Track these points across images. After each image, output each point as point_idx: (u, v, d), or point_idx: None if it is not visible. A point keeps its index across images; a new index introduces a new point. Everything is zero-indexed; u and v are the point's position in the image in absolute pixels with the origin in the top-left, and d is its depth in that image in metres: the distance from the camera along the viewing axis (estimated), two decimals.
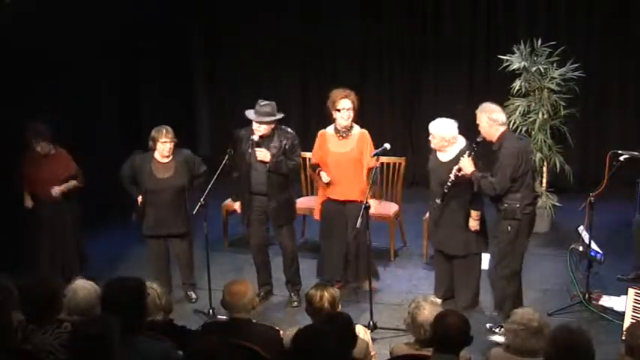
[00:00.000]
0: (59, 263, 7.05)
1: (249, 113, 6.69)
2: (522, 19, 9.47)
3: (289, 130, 6.80)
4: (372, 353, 4.79)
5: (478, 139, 6.18)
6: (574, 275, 6.91)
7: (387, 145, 6.63)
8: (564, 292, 6.92)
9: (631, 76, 9.41)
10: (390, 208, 7.88)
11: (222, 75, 10.84)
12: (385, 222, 7.80)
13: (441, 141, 6.38)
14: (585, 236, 6.80)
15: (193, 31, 10.78)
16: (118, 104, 9.49)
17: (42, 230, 7.03)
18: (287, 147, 6.69)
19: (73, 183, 7.06)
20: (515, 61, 8.17)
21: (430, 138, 6.45)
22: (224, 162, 6.72)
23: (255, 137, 6.66)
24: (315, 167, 7.00)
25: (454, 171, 6.20)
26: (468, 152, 6.18)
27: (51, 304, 4.37)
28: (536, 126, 8.23)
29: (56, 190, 6.92)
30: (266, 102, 6.66)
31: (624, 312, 5.97)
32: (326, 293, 4.75)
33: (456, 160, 6.26)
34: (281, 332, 4.73)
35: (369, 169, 6.72)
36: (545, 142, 8.24)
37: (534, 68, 8.08)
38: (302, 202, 7.90)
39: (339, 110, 6.75)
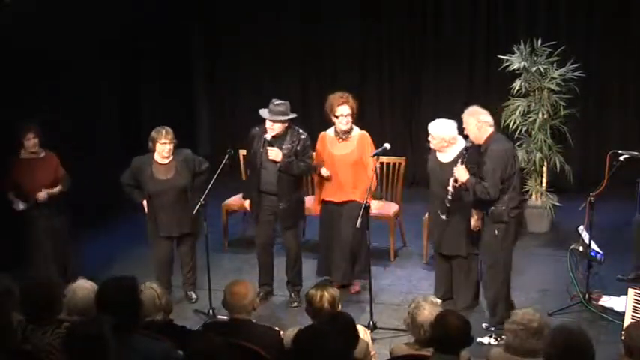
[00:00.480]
0: (53, 266, 7.00)
1: (263, 112, 6.66)
2: (522, 19, 9.47)
3: (301, 131, 6.78)
4: (372, 353, 4.79)
5: (467, 145, 6.16)
6: (574, 275, 6.91)
7: (387, 145, 6.63)
8: (564, 292, 6.92)
9: (631, 76, 9.40)
10: (390, 208, 7.88)
11: (222, 75, 10.84)
12: (385, 222, 7.80)
13: (441, 142, 6.38)
14: (585, 236, 6.80)
15: (193, 31, 10.79)
16: (118, 104, 9.49)
17: (34, 233, 6.96)
18: (298, 148, 6.67)
19: (57, 189, 6.98)
20: (515, 61, 8.17)
21: (430, 139, 6.44)
22: (224, 162, 6.73)
23: (268, 136, 6.64)
24: (315, 167, 6.99)
25: (451, 182, 6.18)
26: (460, 160, 6.15)
27: (51, 304, 4.37)
28: (536, 126, 8.23)
29: (42, 195, 6.84)
30: (280, 101, 6.63)
31: (624, 312, 5.97)
32: (326, 293, 4.75)
33: (456, 161, 6.24)
34: (281, 332, 4.73)
35: (373, 170, 6.70)
36: (545, 142, 8.24)
37: (534, 68, 8.08)
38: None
39: (337, 117, 6.76)
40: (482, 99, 8.00)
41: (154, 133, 6.74)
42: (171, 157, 6.79)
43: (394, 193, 8.06)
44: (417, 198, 8.45)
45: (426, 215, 7.07)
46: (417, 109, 10.11)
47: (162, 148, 6.70)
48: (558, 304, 6.68)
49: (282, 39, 10.35)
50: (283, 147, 6.64)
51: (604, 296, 6.76)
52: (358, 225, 6.29)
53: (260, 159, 6.71)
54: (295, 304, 6.96)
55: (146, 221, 6.93)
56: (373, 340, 5.66)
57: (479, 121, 6.02)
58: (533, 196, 8.46)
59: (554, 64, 8.19)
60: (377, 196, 6.81)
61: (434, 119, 6.51)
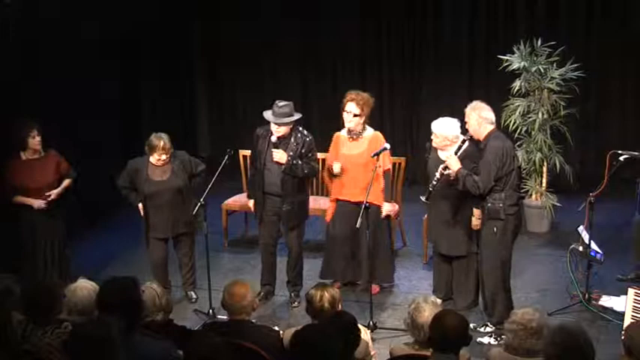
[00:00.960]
0: (51, 267, 6.98)
1: (267, 114, 6.63)
2: (522, 19, 9.47)
3: (306, 132, 6.75)
4: (372, 353, 4.79)
5: (466, 137, 6.17)
6: (574, 275, 6.91)
7: (387, 145, 6.63)
8: (564, 292, 6.92)
9: (631, 77, 9.40)
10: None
11: (222, 75, 10.84)
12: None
13: (444, 140, 6.38)
14: (585, 236, 6.81)
15: (193, 31, 10.79)
16: (118, 104, 9.48)
17: (35, 235, 6.93)
18: (303, 150, 6.65)
19: (66, 183, 6.98)
20: (515, 61, 8.16)
21: (432, 137, 6.44)
22: (224, 162, 6.72)
23: (274, 138, 6.62)
24: (318, 169, 6.96)
25: (440, 169, 6.19)
26: (455, 150, 6.17)
27: (51, 304, 4.38)
28: (536, 126, 8.23)
29: (47, 200, 6.83)
30: (284, 102, 6.60)
31: (624, 312, 5.96)
32: (326, 293, 4.75)
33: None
34: (281, 333, 4.73)
35: (384, 172, 6.68)
36: (545, 142, 8.24)
37: (534, 68, 8.08)
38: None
39: (345, 112, 6.74)
40: (483, 99, 7.95)
41: (151, 141, 6.68)
42: (167, 160, 6.77)
43: (394, 193, 8.04)
44: (417, 198, 8.40)
45: (426, 215, 7.05)
46: (417, 109, 10.11)
47: (159, 158, 6.69)
48: (558, 304, 6.69)
49: (282, 38, 10.35)
50: (288, 149, 6.63)
51: (604, 296, 6.76)
52: (358, 225, 6.29)
53: (264, 160, 6.71)
54: (295, 304, 6.96)
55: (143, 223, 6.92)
56: (373, 340, 5.67)
57: (480, 117, 6.03)
58: (533, 196, 8.46)
59: (554, 64, 8.18)
60: (387, 199, 6.77)
61: (434, 119, 6.51)
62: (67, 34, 8.08)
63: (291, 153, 6.61)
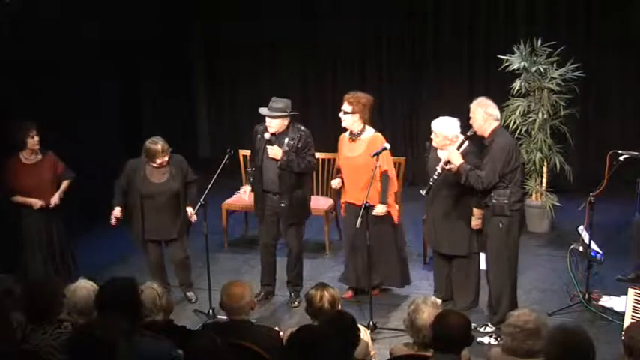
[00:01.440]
0: (50, 269, 6.97)
1: (263, 110, 6.65)
2: (522, 19, 9.47)
3: (302, 128, 6.74)
4: (372, 353, 4.79)
5: (469, 133, 6.17)
6: (574, 275, 6.91)
7: (387, 145, 6.62)
8: (564, 292, 6.93)
9: (631, 76, 9.40)
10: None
11: (222, 75, 10.84)
12: None
13: (443, 139, 6.38)
14: (585, 236, 6.81)
15: (193, 31, 10.79)
16: (118, 104, 9.48)
17: (34, 235, 6.93)
18: (299, 145, 6.63)
19: (64, 186, 6.99)
20: (515, 61, 8.16)
21: (432, 136, 6.44)
22: (224, 162, 6.72)
23: (267, 135, 6.63)
24: (339, 171, 6.92)
25: (441, 164, 6.19)
26: (457, 145, 6.17)
27: (51, 304, 4.37)
28: (536, 126, 8.23)
29: (55, 201, 6.86)
30: (280, 99, 6.63)
31: (624, 312, 5.96)
32: (326, 293, 4.74)
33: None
34: (281, 333, 4.73)
35: (382, 173, 6.63)
36: (545, 142, 8.24)
37: (534, 68, 8.07)
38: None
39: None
40: None
41: (149, 149, 6.66)
42: (166, 163, 6.76)
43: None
44: (417, 198, 8.40)
45: (425, 216, 7.05)
46: (416, 109, 10.11)
47: (161, 161, 6.68)
48: (558, 304, 6.69)
49: (282, 38, 10.35)
50: (284, 144, 6.62)
51: (604, 296, 6.76)
52: (358, 225, 6.28)
53: (261, 157, 6.71)
54: (295, 304, 6.95)
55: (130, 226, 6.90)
56: (373, 340, 5.66)
57: (486, 113, 6.04)
58: (533, 196, 8.46)
59: (554, 64, 8.18)
60: (382, 200, 6.72)
61: (434, 119, 6.50)
62: (67, 34, 8.08)
63: (286, 148, 6.60)
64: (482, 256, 6.59)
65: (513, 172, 6.01)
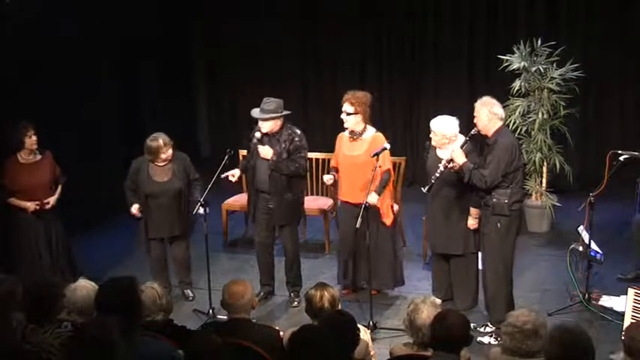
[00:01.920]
0: (50, 270, 6.95)
1: (254, 111, 6.65)
2: (522, 19, 9.48)
3: (296, 129, 6.73)
4: (372, 353, 4.79)
5: (473, 132, 6.17)
6: (574, 275, 6.91)
7: (387, 145, 6.62)
8: (564, 292, 6.92)
9: (631, 76, 9.41)
10: None
11: (222, 75, 10.85)
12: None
13: (442, 138, 6.37)
14: (585, 236, 6.80)
15: (193, 31, 10.79)
16: (118, 104, 9.49)
17: (31, 236, 6.91)
18: (291, 147, 6.63)
19: (59, 190, 6.97)
20: (515, 61, 8.17)
21: (431, 135, 6.44)
22: (224, 162, 6.71)
23: (258, 134, 6.63)
24: (335, 170, 6.90)
25: (444, 162, 6.18)
26: (461, 144, 6.17)
27: (51, 303, 4.37)
28: (536, 126, 8.23)
29: (51, 203, 6.85)
30: (272, 99, 6.61)
31: (624, 312, 5.96)
32: (326, 293, 4.74)
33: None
34: (281, 333, 4.73)
35: (383, 172, 6.62)
36: (545, 142, 8.25)
37: (534, 68, 8.08)
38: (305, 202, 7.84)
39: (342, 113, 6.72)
40: None
41: (150, 146, 6.67)
42: (169, 160, 6.78)
43: (394, 193, 8.03)
44: (416, 198, 8.42)
45: (425, 217, 7.05)
46: (416, 109, 10.12)
47: (166, 155, 6.71)
48: (558, 304, 6.68)
49: (282, 38, 10.36)
50: (276, 145, 6.62)
51: (604, 296, 6.76)
52: (358, 225, 6.28)
53: (254, 157, 6.71)
54: (295, 303, 6.95)
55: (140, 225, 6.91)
56: (373, 340, 5.66)
57: (490, 112, 6.04)
58: (533, 196, 8.47)
59: (554, 64, 8.19)
60: (378, 191, 6.70)
61: (434, 119, 6.50)
62: (67, 33, 8.08)
63: (278, 149, 6.60)
64: (480, 255, 6.60)
65: (515, 171, 6.02)
